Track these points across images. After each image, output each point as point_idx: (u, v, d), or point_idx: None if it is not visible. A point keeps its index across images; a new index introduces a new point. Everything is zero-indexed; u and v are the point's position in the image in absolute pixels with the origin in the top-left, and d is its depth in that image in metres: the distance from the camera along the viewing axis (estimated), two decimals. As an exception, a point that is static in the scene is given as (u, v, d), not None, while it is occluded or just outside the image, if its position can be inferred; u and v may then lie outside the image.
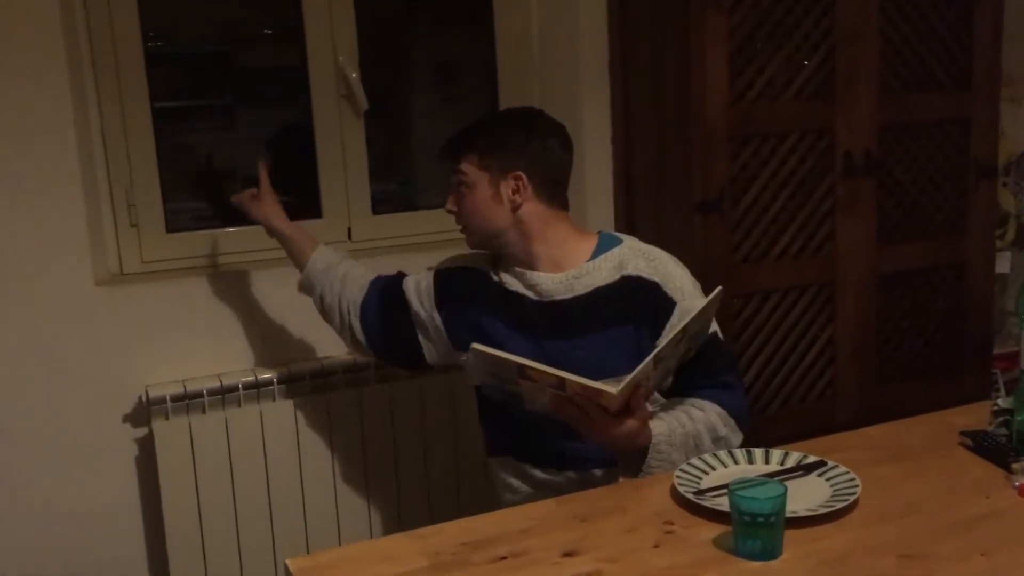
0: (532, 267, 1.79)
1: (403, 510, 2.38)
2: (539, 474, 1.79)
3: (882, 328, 2.55)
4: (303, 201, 2.52)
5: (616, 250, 1.77)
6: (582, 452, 1.71)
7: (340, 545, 2.22)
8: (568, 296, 1.75)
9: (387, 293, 1.95)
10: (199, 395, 2.18)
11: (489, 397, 1.79)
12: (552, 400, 1.54)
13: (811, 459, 1.54)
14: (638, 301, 1.72)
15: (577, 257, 1.77)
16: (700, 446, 1.63)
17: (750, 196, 2.35)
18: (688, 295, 1.73)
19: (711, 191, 2.29)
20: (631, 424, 1.54)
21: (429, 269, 1.95)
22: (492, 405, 1.81)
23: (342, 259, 2.02)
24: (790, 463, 1.55)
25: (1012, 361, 2.09)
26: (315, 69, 2.43)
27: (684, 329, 1.53)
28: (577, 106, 2.56)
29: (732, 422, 1.69)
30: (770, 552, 1.28)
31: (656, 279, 1.73)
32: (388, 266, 2.42)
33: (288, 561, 1.34)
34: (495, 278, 1.84)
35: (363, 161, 2.50)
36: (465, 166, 1.78)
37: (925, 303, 2.60)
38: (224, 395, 2.21)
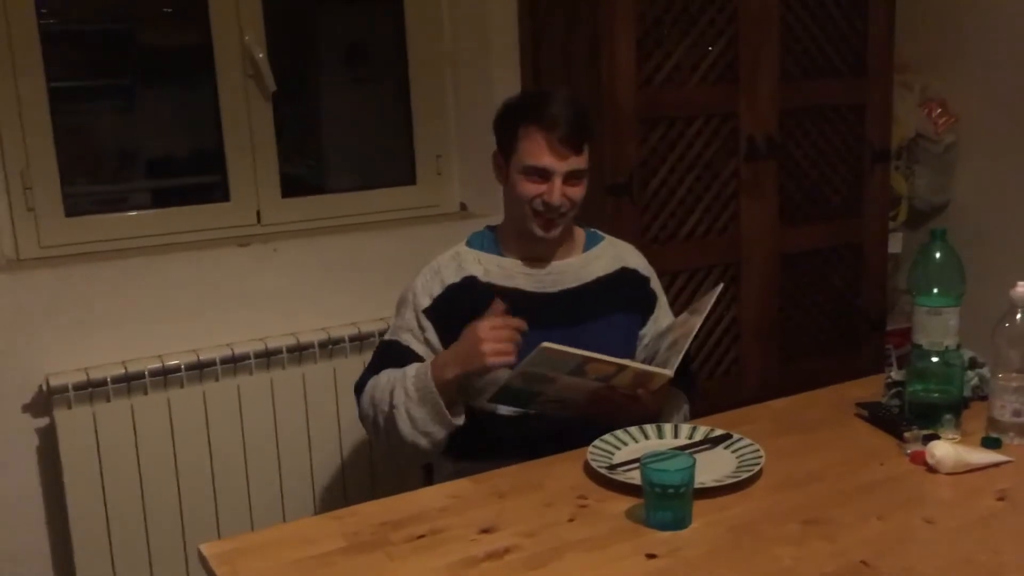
0: (549, 255, 1.82)
1: (317, 493, 2.37)
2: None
3: (784, 306, 2.64)
4: (211, 184, 2.47)
5: (605, 243, 1.91)
6: (544, 441, 1.67)
7: (253, 531, 2.19)
8: (575, 284, 1.83)
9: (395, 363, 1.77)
10: (103, 383, 2.12)
11: (490, 402, 1.72)
12: (593, 393, 1.63)
13: (718, 432, 1.60)
14: (633, 292, 1.89)
15: (576, 246, 1.88)
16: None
17: (658, 179, 2.40)
18: (661, 292, 1.95)
19: (621, 174, 2.33)
20: (657, 399, 1.70)
21: (404, 306, 1.82)
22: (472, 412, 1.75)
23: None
24: (698, 437, 1.60)
25: (904, 337, 2.19)
26: (220, 49, 2.38)
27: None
28: (488, 88, 2.56)
29: (689, 405, 1.88)
30: (681, 522, 1.32)
31: (647, 275, 1.93)
32: (299, 250, 2.41)
33: (202, 546, 1.33)
34: (483, 280, 1.80)
35: (272, 143, 2.46)
36: (586, 155, 1.77)
37: (824, 282, 2.70)
38: (129, 382, 2.15)
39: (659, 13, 2.33)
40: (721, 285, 1.86)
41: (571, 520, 1.37)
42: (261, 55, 2.39)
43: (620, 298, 1.86)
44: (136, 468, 2.16)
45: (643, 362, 1.79)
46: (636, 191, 2.35)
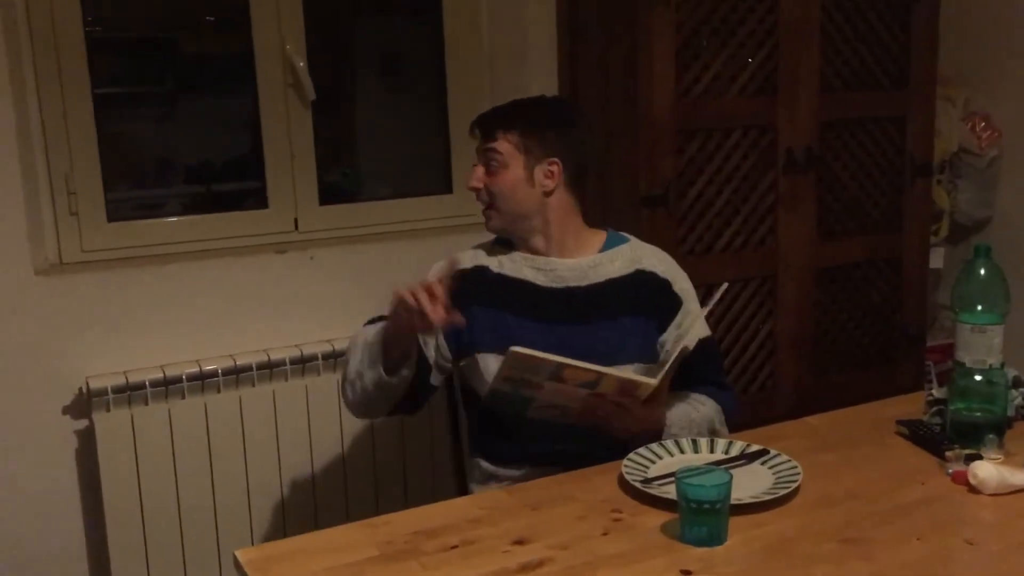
0: (545, 253, 1.82)
1: (350, 501, 2.37)
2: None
3: (820, 320, 2.61)
4: (249, 191, 2.50)
5: (626, 246, 1.87)
6: (575, 451, 1.67)
7: (286, 537, 2.20)
8: (583, 284, 1.80)
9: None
10: (141, 387, 2.14)
11: (487, 406, 1.73)
12: (584, 400, 1.60)
13: (754, 448, 1.58)
14: (650, 295, 1.82)
15: (589, 248, 1.85)
16: (700, 435, 1.71)
17: (695, 190, 2.39)
18: (690, 298, 1.86)
19: (657, 185, 2.32)
20: (658, 409, 1.66)
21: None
22: (486, 411, 1.77)
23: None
24: (734, 452, 1.59)
25: (944, 353, 2.16)
26: (261, 58, 2.40)
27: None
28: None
29: (723, 418, 1.81)
30: (716, 538, 1.31)
31: (667, 277, 1.84)
32: (335, 257, 2.43)
33: (237, 552, 1.33)
34: (495, 271, 1.83)
35: (310, 151, 2.48)
36: (502, 144, 1.78)
37: (862, 296, 2.67)
38: (167, 386, 2.17)
39: (697, 24, 2.32)
40: (726, 284, 1.79)
41: (605, 534, 1.36)
42: (301, 64, 2.41)
43: (634, 301, 1.80)
44: (172, 471, 2.18)
45: None
46: (672, 203, 2.34)
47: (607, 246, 1.86)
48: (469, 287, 1.80)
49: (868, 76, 2.56)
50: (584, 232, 1.86)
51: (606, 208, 2.48)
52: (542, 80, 2.56)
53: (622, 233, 1.91)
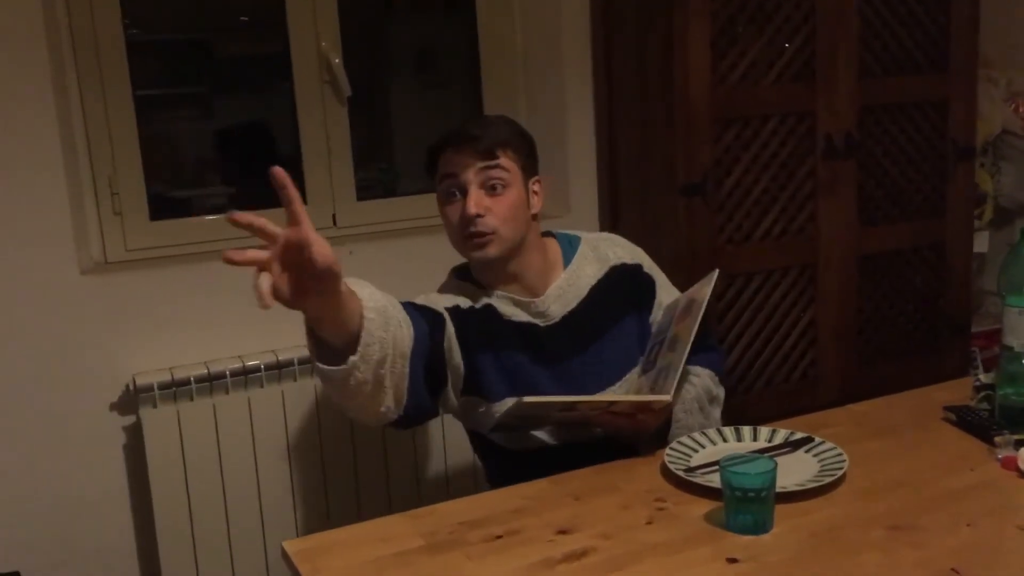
0: (524, 285, 1.69)
1: (392, 493, 2.39)
2: None
3: (863, 308, 2.58)
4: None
5: (584, 247, 1.76)
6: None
7: (330, 528, 2.22)
8: (573, 305, 1.70)
9: (434, 336, 1.60)
10: (186, 382, 2.17)
11: (487, 436, 1.69)
12: (601, 421, 1.60)
13: (798, 435, 1.57)
14: (628, 287, 1.77)
15: (553, 265, 1.73)
16: (703, 408, 1.72)
17: (733, 179, 2.37)
18: (657, 271, 1.82)
19: (694, 174, 2.30)
20: (668, 409, 1.64)
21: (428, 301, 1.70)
22: (490, 444, 1.74)
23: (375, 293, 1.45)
24: (778, 440, 1.58)
25: (990, 339, 2.12)
26: (298, 55, 2.42)
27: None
28: (561, 91, 2.56)
29: (717, 380, 1.79)
30: (762, 526, 1.30)
31: (637, 261, 1.79)
32: (374, 252, 2.44)
33: (285, 544, 1.35)
34: (501, 314, 1.68)
35: (347, 147, 2.50)
36: (505, 161, 1.63)
37: (905, 283, 2.63)
38: (212, 382, 2.20)
39: (734, 10, 2.30)
40: (716, 271, 1.70)
41: (649, 523, 1.36)
42: (337, 60, 2.43)
43: (621, 300, 1.74)
44: (218, 465, 2.21)
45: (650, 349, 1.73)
46: (710, 191, 2.32)
47: (567, 256, 1.74)
48: (487, 330, 1.66)
49: (908, 59, 2.53)
50: (546, 248, 1.73)
51: (643, 198, 2.47)
52: (577, 73, 2.56)
53: (568, 232, 1.80)
